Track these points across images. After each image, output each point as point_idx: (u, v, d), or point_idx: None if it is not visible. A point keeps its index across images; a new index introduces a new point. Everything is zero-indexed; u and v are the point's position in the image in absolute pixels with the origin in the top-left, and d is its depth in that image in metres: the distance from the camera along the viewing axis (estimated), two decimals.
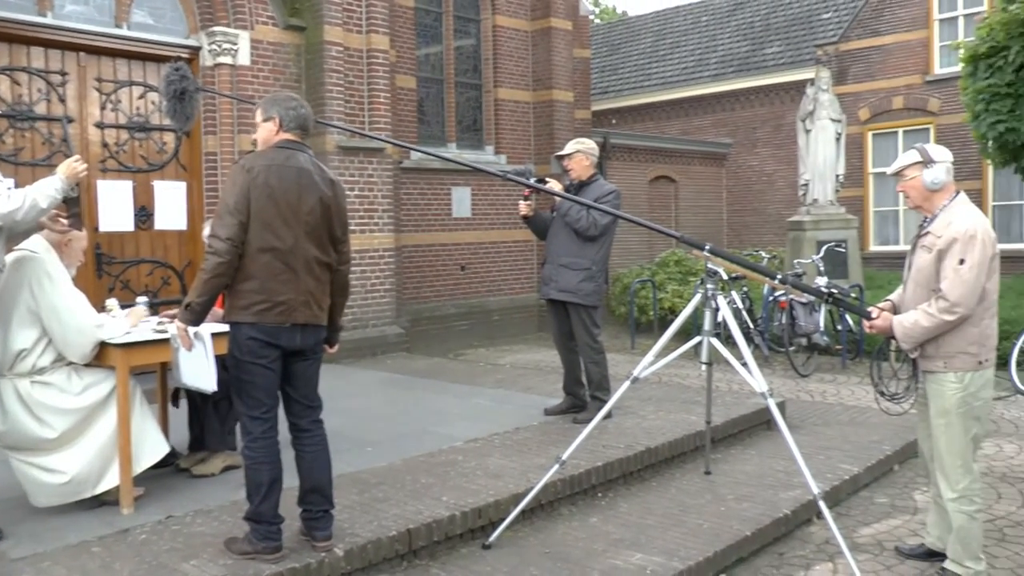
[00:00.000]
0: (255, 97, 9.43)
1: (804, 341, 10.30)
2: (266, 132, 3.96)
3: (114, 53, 8.75)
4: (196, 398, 5.35)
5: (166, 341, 4.55)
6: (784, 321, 10.05)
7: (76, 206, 4.69)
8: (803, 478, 4.19)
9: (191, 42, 9.37)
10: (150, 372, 5.67)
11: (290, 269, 3.80)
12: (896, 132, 17.67)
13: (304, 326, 3.88)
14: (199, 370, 4.28)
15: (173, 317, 5.22)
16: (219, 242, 3.68)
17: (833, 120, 12.68)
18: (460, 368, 9.68)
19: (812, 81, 13.20)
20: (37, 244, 4.43)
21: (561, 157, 6.52)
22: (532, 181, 5.50)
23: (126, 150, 8.80)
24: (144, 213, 8.68)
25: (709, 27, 22.24)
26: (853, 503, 5.50)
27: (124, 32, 8.80)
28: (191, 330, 3.95)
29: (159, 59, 8.96)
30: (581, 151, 6.40)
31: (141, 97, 8.94)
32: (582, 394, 6.60)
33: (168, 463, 5.19)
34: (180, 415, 5.55)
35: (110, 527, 4.28)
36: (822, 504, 4.09)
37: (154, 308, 6.16)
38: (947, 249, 4.02)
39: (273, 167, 3.80)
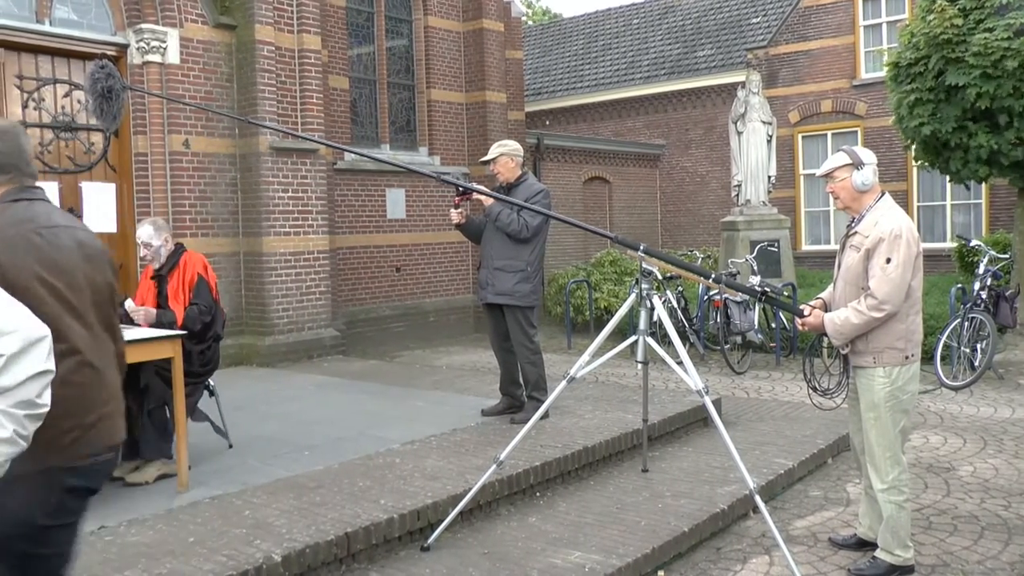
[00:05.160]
0: (185, 97, 9.26)
1: (739, 339, 10.46)
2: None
3: (35, 49, 8.52)
4: (131, 405, 5.22)
5: None
6: (719, 320, 10.18)
7: None
8: (739, 473, 4.25)
9: (118, 39, 9.16)
10: None
11: None
12: (825, 135, 18.06)
13: None
14: None
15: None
16: None
17: (764, 122, 12.91)
18: (396, 370, 9.62)
19: (743, 84, 13.42)
20: None
21: (487, 162, 6.48)
22: (462, 183, 5.46)
23: (51, 150, 8.57)
24: (72, 215, 8.44)
25: (641, 30, 22.47)
26: (788, 496, 5.60)
27: (46, 28, 8.57)
28: None
29: (84, 56, 8.74)
30: (505, 154, 6.35)
31: (66, 95, 8.71)
32: (519, 394, 6.60)
33: None
34: None
35: None
36: (758, 498, 4.15)
37: None
38: (874, 248, 4.12)
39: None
